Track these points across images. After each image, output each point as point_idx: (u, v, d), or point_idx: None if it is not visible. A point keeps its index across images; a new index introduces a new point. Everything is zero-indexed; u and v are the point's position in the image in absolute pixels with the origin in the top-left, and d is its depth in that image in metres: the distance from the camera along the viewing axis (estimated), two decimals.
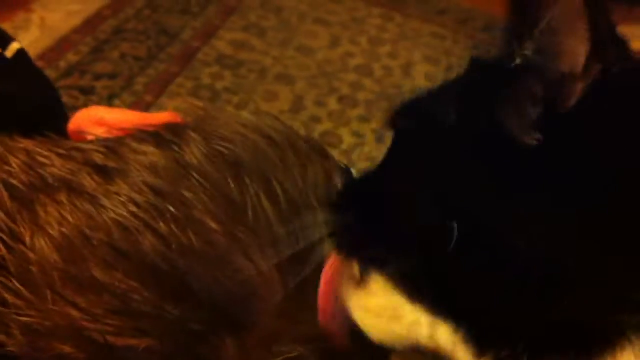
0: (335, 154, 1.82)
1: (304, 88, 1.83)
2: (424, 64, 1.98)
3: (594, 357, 0.29)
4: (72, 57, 1.75)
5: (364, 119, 1.78)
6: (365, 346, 0.42)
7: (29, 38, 1.63)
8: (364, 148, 1.68)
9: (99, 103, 1.65)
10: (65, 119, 0.51)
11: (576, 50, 0.30)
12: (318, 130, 1.71)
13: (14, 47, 0.55)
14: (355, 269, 0.34)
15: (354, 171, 0.43)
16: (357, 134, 1.75)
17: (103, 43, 1.82)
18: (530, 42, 0.31)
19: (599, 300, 0.29)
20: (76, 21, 1.82)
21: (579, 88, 0.30)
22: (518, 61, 0.32)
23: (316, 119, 1.76)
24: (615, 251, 0.29)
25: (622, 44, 0.32)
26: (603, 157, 0.29)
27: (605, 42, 0.30)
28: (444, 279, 0.31)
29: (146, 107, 1.53)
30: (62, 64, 1.72)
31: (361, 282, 0.34)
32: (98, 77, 1.73)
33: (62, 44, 1.79)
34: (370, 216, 0.33)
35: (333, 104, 1.82)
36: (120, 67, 1.75)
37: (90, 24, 1.84)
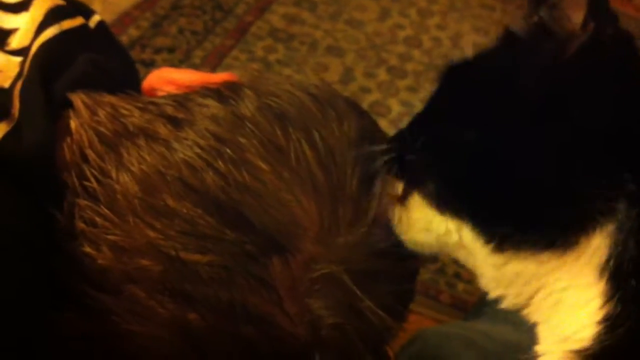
0: (383, 123, 1.85)
1: (353, 60, 1.85)
2: (473, 35, 1.97)
3: (569, 238, 0.40)
4: (133, 32, 1.79)
5: (412, 89, 1.80)
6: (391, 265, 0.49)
7: None
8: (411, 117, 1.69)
9: None
10: (139, 80, 0.58)
11: (576, 14, 0.41)
12: (367, 100, 1.74)
13: (96, 18, 0.62)
14: (400, 189, 0.46)
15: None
16: (406, 104, 1.76)
17: (162, 18, 1.85)
18: (545, 8, 0.43)
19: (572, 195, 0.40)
20: None
21: (578, 42, 0.41)
22: (535, 21, 0.43)
23: (365, 90, 1.78)
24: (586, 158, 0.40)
25: (612, 15, 0.42)
26: (588, 91, 0.41)
27: (597, 9, 0.41)
28: (463, 194, 0.43)
29: None
30: (124, 38, 1.76)
31: (403, 200, 0.45)
32: (158, 50, 1.77)
33: (124, 19, 1.82)
34: (412, 148, 0.45)
35: (382, 74, 1.83)
36: (178, 41, 1.79)
37: (149, 0, 1.89)
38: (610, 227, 0.39)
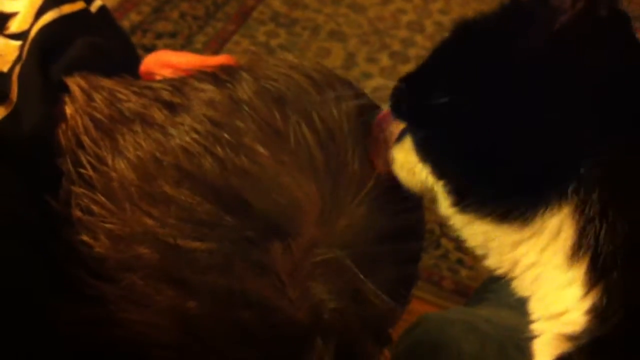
0: (386, 107, 1.84)
1: (356, 45, 1.84)
2: None
3: (524, 213, 0.40)
4: (134, 17, 1.79)
5: None
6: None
7: None
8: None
9: None
10: (138, 64, 0.57)
11: None
12: (369, 85, 1.73)
13: (97, 3, 0.61)
14: (398, 130, 0.47)
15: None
16: None
17: (163, 3, 1.85)
18: None
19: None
20: None
21: (563, 18, 0.41)
22: None
23: (368, 75, 1.77)
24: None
25: None
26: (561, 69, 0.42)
27: None
28: (442, 152, 0.44)
29: None
30: (126, 23, 1.76)
31: (400, 140, 0.46)
32: (159, 35, 1.77)
33: (125, 4, 1.82)
34: (409, 94, 0.46)
35: (384, 60, 1.82)
36: (180, 26, 1.79)
37: None
38: (567, 210, 0.39)
